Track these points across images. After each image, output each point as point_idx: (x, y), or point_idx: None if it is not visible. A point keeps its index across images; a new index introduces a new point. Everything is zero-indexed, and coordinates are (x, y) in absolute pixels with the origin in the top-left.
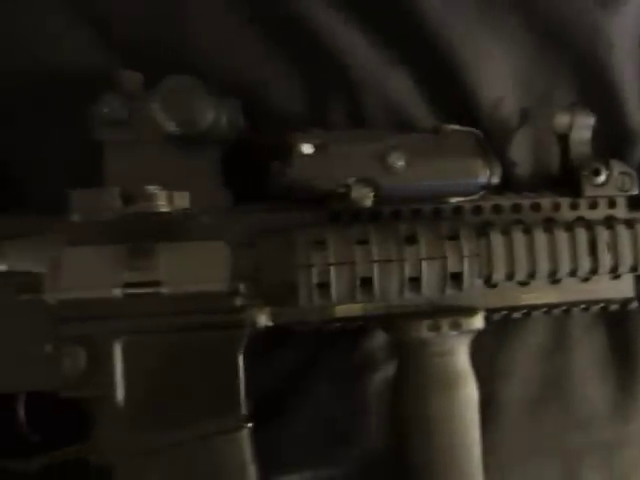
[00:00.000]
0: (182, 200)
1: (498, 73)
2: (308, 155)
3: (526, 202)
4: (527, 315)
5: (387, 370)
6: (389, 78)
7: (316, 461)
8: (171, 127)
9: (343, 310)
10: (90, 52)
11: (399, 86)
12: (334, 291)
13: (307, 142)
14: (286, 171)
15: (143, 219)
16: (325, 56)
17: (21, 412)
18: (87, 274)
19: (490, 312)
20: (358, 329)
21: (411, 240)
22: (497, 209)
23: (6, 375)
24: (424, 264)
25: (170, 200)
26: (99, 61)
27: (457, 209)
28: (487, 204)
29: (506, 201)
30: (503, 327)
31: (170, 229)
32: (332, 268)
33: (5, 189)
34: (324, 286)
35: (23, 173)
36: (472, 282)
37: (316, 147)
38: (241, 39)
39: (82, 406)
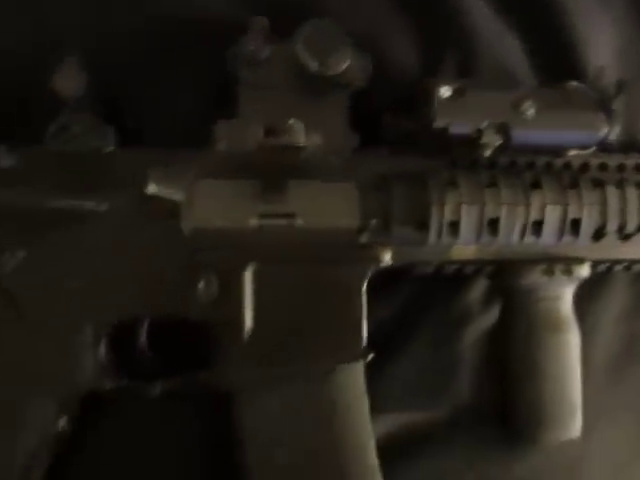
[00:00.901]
0: (316, 138)
1: (604, 42)
2: (446, 99)
3: (630, 162)
4: (627, 269)
5: (481, 322)
6: (503, 41)
7: (412, 403)
8: (313, 67)
9: (459, 253)
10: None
11: (511, 50)
12: (463, 230)
13: (446, 86)
14: (425, 114)
15: (279, 152)
16: (446, 14)
17: (143, 337)
18: (224, 205)
19: (595, 264)
20: (458, 279)
21: (536, 186)
22: (603, 167)
23: (135, 298)
24: (548, 208)
25: (307, 136)
26: (230, 9)
27: (566, 164)
28: (595, 161)
29: (612, 160)
30: (588, 289)
31: (302, 166)
32: (463, 207)
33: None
34: (454, 225)
35: (153, 110)
36: (588, 230)
37: (454, 91)
38: None
39: (208, 333)
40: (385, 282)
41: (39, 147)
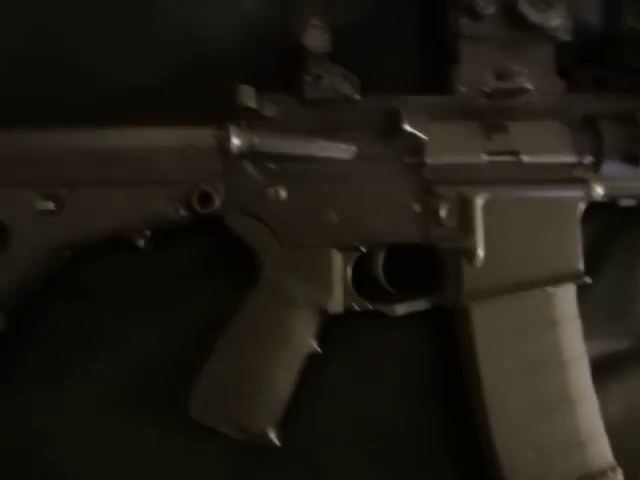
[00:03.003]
0: (531, 83)
1: None
2: None
3: None
4: None
5: None
6: None
7: (599, 334)
8: (534, 19)
9: None
10: None
11: None
12: None
13: None
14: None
15: (507, 95)
16: None
17: (380, 264)
18: (459, 143)
19: None
20: None
21: None
22: None
23: (379, 228)
24: None
25: (532, 82)
26: None
27: None
28: None
29: None
30: None
31: (522, 108)
32: None
33: None
34: None
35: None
36: None
37: None
38: None
39: (443, 257)
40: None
41: (296, 97)
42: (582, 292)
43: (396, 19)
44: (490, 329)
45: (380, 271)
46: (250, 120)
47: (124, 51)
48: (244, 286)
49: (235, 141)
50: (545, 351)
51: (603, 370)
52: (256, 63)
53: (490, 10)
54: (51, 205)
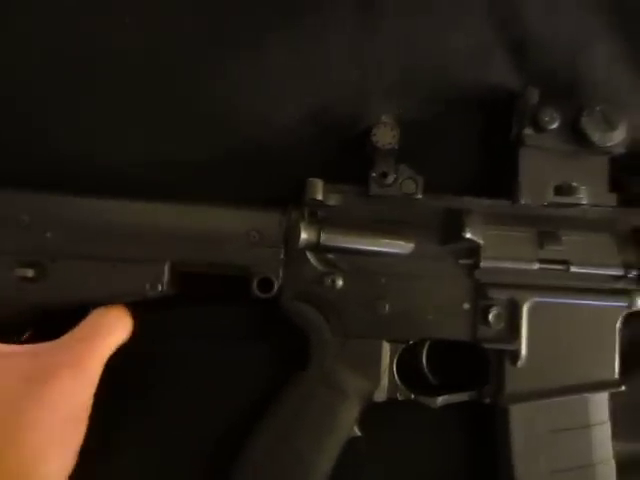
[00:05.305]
0: (585, 196)
1: None
2: None
3: None
4: None
5: None
6: None
7: (626, 435)
8: (594, 138)
9: None
10: (505, 73)
11: None
12: None
13: None
14: None
15: (562, 208)
16: None
17: (424, 357)
18: (512, 249)
19: None
20: None
21: None
22: None
23: (429, 323)
24: None
25: (586, 195)
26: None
27: None
28: None
29: None
30: None
31: (574, 219)
32: None
33: None
34: None
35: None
36: None
37: None
38: None
39: (487, 356)
40: None
41: (360, 189)
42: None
43: (460, 120)
44: (527, 429)
45: (424, 363)
46: (313, 207)
47: (185, 130)
48: (293, 359)
49: (304, 235)
50: (577, 452)
51: (629, 471)
52: (319, 152)
53: (554, 125)
54: None
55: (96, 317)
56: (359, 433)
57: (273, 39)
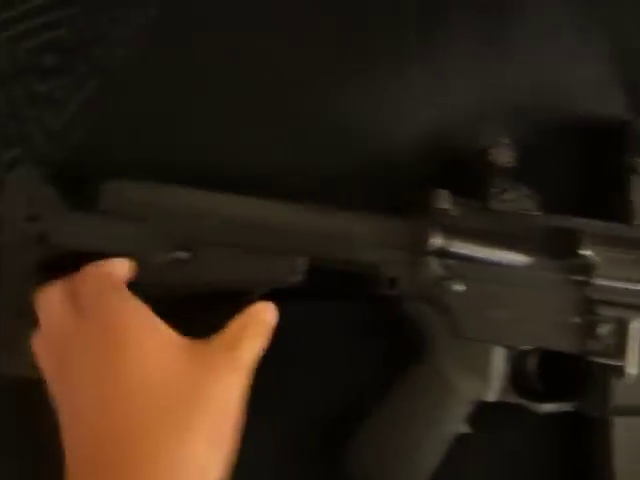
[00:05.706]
0: None
1: None
2: None
3: None
4: None
5: None
6: None
7: None
8: None
9: None
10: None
11: None
12: None
13: None
14: None
15: None
16: None
17: (535, 364)
18: (623, 270)
19: None
20: None
21: None
22: None
23: (541, 333)
24: None
25: None
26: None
27: None
28: None
29: None
30: None
31: None
32: None
33: None
34: None
35: None
36: None
37: None
38: None
39: (593, 368)
40: None
41: (481, 203)
42: None
43: (571, 143)
44: (628, 435)
45: (535, 372)
46: (438, 216)
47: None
48: (407, 357)
49: (431, 241)
50: None
51: None
52: (434, 169)
53: None
54: None
55: (253, 313)
56: (469, 430)
57: (408, 60)
